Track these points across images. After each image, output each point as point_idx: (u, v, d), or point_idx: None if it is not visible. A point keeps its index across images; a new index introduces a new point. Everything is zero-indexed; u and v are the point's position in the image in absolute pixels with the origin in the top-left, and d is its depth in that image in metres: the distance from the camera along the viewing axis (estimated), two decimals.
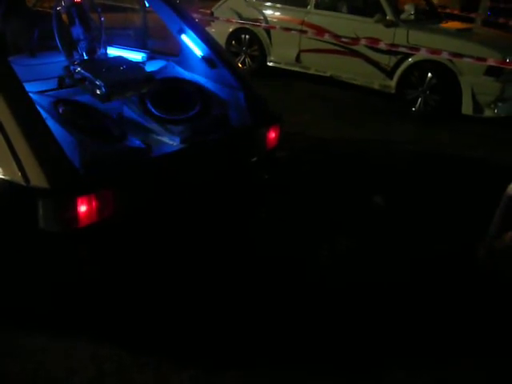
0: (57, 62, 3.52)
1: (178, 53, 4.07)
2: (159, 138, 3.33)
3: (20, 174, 2.55)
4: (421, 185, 4.93)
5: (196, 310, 3.00)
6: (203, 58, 3.86)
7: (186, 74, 3.84)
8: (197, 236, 3.41)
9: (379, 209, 4.41)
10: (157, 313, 2.95)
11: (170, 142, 3.31)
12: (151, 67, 3.82)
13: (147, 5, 4.21)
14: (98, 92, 3.18)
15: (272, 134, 3.72)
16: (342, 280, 3.41)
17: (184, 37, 3.89)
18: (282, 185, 4.26)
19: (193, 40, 3.87)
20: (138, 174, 2.96)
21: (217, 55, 3.84)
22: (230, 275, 3.31)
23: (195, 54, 3.89)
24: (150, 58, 4.18)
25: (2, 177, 2.62)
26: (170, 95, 3.55)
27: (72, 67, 3.31)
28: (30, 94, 2.86)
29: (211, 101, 3.63)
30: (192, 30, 3.86)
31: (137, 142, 3.14)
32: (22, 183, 2.55)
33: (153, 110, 3.42)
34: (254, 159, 3.72)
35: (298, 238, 3.80)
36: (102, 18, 3.73)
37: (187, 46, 3.91)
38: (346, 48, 7.45)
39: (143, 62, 3.91)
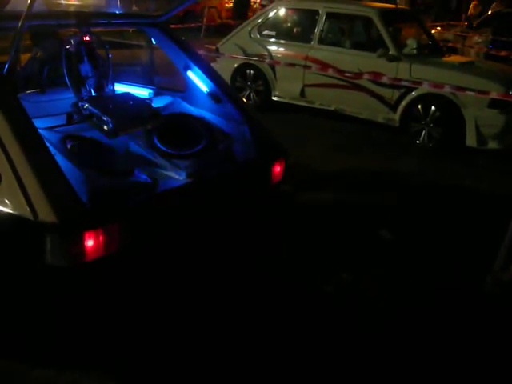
0: (65, 98, 3.59)
1: (185, 89, 4.13)
2: (165, 172, 3.35)
3: (28, 208, 2.57)
4: (427, 217, 4.94)
5: (202, 347, 2.99)
6: (209, 93, 3.92)
7: (192, 110, 3.90)
8: (202, 272, 3.41)
9: (386, 242, 4.42)
10: (164, 348, 2.94)
11: (176, 176, 3.33)
12: (158, 103, 3.88)
13: (154, 42, 4.28)
14: (106, 128, 3.23)
15: (277, 168, 3.74)
16: (348, 314, 3.39)
17: (190, 73, 3.96)
18: (288, 219, 4.26)
19: (198, 76, 3.93)
20: (144, 209, 2.98)
21: (222, 90, 3.90)
22: (235, 313, 3.31)
23: (201, 90, 3.96)
24: (157, 94, 4.25)
25: (11, 211, 2.63)
26: (176, 130, 3.59)
27: (80, 103, 3.37)
28: (39, 130, 2.91)
29: (217, 135, 3.66)
30: (197, 66, 3.93)
31: (143, 177, 3.17)
32: (30, 218, 2.57)
33: (159, 145, 3.45)
34: (260, 193, 3.73)
35: (305, 273, 3.80)
36: (110, 55, 3.81)
37: (193, 82, 3.98)
38: (350, 82, 7.54)
39: (150, 98, 3.97)
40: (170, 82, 4.60)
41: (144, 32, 4.11)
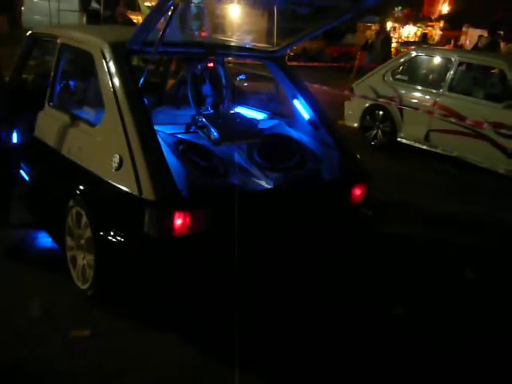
0: (191, 113, 4.38)
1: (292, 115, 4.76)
2: (257, 180, 3.97)
3: (136, 187, 3.35)
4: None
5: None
6: (309, 120, 4.51)
7: (292, 133, 4.49)
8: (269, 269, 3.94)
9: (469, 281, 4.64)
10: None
11: (265, 185, 3.94)
12: (264, 124, 4.54)
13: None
14: (212, 137, 3.95)
15: (357, 191, 4.19)
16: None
17: (296, 102, 4.58)
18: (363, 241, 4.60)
19: (302, 105, 4.54)
20: (227, 203, 3.62)
21: (320, 119, 4.47)
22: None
23: (303, 117, 4.56)
24: (269, 117, 4.91)
25: (125, 189, 3.43)
26: (273, 148, 4.21)
27: (197, 117, 4.15)
28: (162, 134, 3.72)
29: (308, 156, 4.23)
30: (303, 97, 4.54)
31: (235, 181, 3.83)
32: (137, 195, 3.34)
33: (257, 157, 4.09)
34: (338, 210, 4.21)
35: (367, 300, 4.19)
36: (246, 85, 4.51)
37: (297, 110, 4.59)
38: (474, 131, 7.70)
39: (259, 120, 4.63)
40: (285, 110, 5.22)
41: (264, 64, 4.81)
